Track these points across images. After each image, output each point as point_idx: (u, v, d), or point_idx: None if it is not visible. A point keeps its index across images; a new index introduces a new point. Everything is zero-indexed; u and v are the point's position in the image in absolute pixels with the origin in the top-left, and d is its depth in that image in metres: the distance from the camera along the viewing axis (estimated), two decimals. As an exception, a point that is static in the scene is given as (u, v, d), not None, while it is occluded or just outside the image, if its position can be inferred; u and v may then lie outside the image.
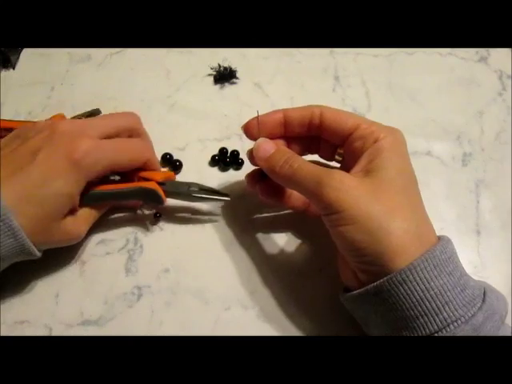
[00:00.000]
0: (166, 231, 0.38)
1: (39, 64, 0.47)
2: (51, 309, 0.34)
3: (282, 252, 0.37)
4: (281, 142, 0.34)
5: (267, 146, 0.32)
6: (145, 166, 0.36)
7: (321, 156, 0.36)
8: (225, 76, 0.46)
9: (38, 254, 0.31)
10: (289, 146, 0.34)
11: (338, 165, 0.35)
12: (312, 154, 0.36)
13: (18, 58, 0.47)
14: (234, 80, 0.46)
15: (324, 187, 0.28)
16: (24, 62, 0.47)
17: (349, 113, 0.32)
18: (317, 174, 0.29)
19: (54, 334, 0.34)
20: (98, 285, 0.35)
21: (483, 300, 0.27)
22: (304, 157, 0.32)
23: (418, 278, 0.26)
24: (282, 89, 0.46)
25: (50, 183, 0.30)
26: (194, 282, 0.36)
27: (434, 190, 0.41)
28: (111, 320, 0.34)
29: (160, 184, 0.35)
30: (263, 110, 0.47)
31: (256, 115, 0.33)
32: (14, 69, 0.47)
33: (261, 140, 0.33)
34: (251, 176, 0.35)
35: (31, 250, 0.30)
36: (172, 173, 0.38)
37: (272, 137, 0.34)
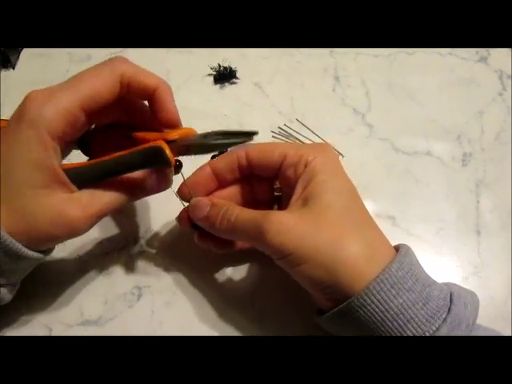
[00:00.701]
0: (166, 231, 0.38)
1: (39, 64, 0.47)
2: (51, 309, 0.34)
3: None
4: (216, 194, 0.33)
5: (202, 204, 0.31)
6: (134, 89, 0.28)
7: (260, 199, 0.34)
8: (225, 76, 0.46)
9: (28, 253, 0.27)
10: (225, 196, 0.33)
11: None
12: (249, 199, 0.34)
13: (17, 57, 0.47)
14: (234, 80, 0.46)
15: (265, 234, 0.27)
16: (24, 62, 0.47)
17: (275, 144, 0.32)
18: (255, 222, 0.28)
19: (54, 334, 0.34)
20: (97, 285, 0.35)
21: (448, 310, 0.26)
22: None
23: (375, 301, 0.25)
24: (282, 89, 0.46)
25: (7, 155, 0.26)
26: (194, 282, 0.36)
27: (434, 189, 0.41)
28: (111, 320, 0.34)
29: (170, 142, 0.28)
30: (263, 110, 0.47)
31: (182, 179, 0.32)
32: (13, 69, 0.47)
33: (194, 200, 0.32)
34: (201, 237, 0.33)
35: (14, 248, 0.26)
36: (192, 129, 0.30)
37: (208, 193, 0.33)
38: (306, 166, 0.29)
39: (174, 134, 0.29)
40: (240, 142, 0.27)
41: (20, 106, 0.27)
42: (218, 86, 0.46)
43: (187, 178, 0.32)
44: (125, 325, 0.34)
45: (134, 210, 0.39)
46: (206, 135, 0.28)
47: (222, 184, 0.33)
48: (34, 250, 0.28)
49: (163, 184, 0.31)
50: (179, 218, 0.33)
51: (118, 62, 0.28)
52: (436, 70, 0.48)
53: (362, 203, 0.30)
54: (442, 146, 0.43)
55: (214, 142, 0.27)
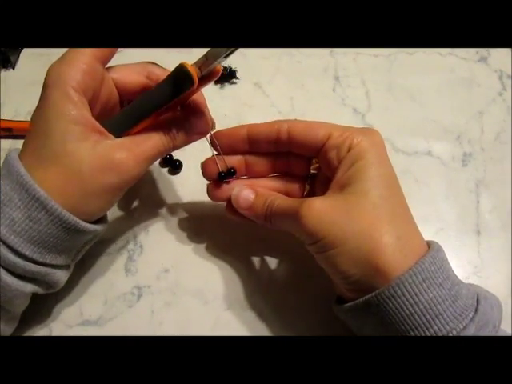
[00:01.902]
0: (166, 231, 0.38)
1: (39, 64, 0.47)
2: (51, 309, 0.34)
3: (281, 252, 0.37)
4: (258, 183, 0.33)
5: (246, 194, 0.32)
6: None
7: (294, 173, 0.34)
8: (225, 76, 0.46)
9: (85, 225, 0.28)
10: (255, 164, 0.33)
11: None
12: (282, 172, 0.34)
13: (17, 57, 0.47)
14: (234, 80, 0.46)
15: (300, 219, 0.27)
16: (24, 62, 0.47)
17: (319, 122, 0.31)
18: (292, 207, 0.28)
19: (54, 334, 0.34)
20: (97, 285, 0.35)
21: (476, 310, 0.26)
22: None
23: (406, 293, 0.25)
24: (282, 89, 0.46)
25: (41, 122, 0.28)
26: (194, 282, 0.36)
27: (434, 189, 0.41)
28: (111, 320, 0.34)
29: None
30: (263, 110, 0.47)
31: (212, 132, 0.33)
32: (13, 69, 0.47)
33: (238, 189, 0.32)
34: (231, 209, 0.33)
35: (71, 221, 0.27)
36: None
37: (234, 152, 0.33)
38: (349, 150, 0.29)
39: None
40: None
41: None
42: (218, 86, 0.46)
43: (224, 129, 0.33)
44: (125, 325, 0.34)
45: (134, 210, 0.39)
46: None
47: (252, 149, 0.33)
48: (90, 222, 0.29)
49: (201, 122, 0.32)
50: (205, 166, 0.33)
51: None
52: (436, 70, 0.48)
53: (401, 193, 0.29)
54: (441, 146, 0.43)
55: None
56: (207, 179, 0.34)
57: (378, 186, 0.28)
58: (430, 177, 0.41)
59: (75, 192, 0.27)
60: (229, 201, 0.33)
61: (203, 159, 0.35)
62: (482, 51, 0.49)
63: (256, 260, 0.37)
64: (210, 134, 0.33)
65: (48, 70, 0.28)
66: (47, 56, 0.47)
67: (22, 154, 0.28)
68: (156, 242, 0.37)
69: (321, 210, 0.27)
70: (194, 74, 0.27)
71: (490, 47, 0.49)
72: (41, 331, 0.34)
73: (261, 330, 0.34)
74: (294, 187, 0.34)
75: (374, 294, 0.26)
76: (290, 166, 0.33)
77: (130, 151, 0.28)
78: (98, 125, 0.28)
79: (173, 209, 0.39)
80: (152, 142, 0.30)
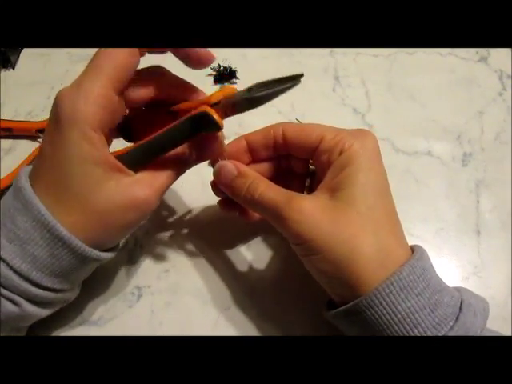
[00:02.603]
0: (166, 231, 0.38)
1: (39, 64, 0.47)
2: (51, 309, 0.34)
3: (281, 251, 0.37)
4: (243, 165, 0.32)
5: (229, 169, 0.30)
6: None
7: (295, 171, 0.34)
8: (225, 76, 0.46)
9: (102, 255, 0.28)
10: (261, 172, 0.32)
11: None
12: (285, 172, 0.34)
13: (17, 57, 0.47)
14: (234, 80, 0.46)
15: (285, 220, 0.27)
16: (24, 62, 0.47)
17: (314, 125, 0.30)
18: (276, 204, 0.27)
19: (54, 334, 0.34)
20: (97, 285, 0.35)
21: (456, 318, 0.26)
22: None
23: (383, 303, 0.25)
24: (282, 89, 0.46)
25: (58, 160, 0.26)
26: (194, 282, 0.36)
27: (434, 189, 0.41)
28: (111, 320, 0.34)
29: (213, 105, 0.28)
30: (263, 110, 0.47)
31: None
32: (13, 69, 0.47)
33: (221, 163, 0.31)
34: (224, 203, 0.34)
35: (91, 255, 0.27)
36: (233, 87, 0.28)
37: None
38: (340, 154, 0.28)
39: (217, 95, 0.28)
40: (288, 88, 0.26)
41: (53, 107, 0.27)
42: (218, 86, 0.46)
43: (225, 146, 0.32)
44: (125, 325, 0.34)
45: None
46: (249, 89, 0.27)
47: (255, 160, 0.33)
48: (104, 250, 0.29)
49: (214, 148, 0.31)
50: (213, 184, 0.33)
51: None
52: (436, 70, 0.48)
53: (390, 200, 0.29)
54: (441, 146, 0.43)
55: (260, 94, 0.26)
56: (217, 196, 0.34)
57: (366, 193, 0.27)
58: (430, 177, 0.41)
59: (97, 230, 0.27)
60: (223, 199, 0.34)
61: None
62: (482, 51, 0.49)
63: (256, 260, 0.37)
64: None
65: (61, 99, 0.26)
66: (47, 56, 0.47)
67: (37, 186, 0.27)
68: (156, 242, 0.37)
69: (309, 215, 0.27)
70: (221, 122, 0.27)
71: (489, 47, 0.49)
72: (41, 331, 0.34)
73: (261, 329, 0.34)
74: (294, 184, 0.34)
75: (352, 303, 0.26)
76: (292, 165, 0.33)
77: (151, 187, 0.28)
78: (117, 162, 0.27)
79: (173, 209, 0.39)
80: (168, 172, 0.29)
